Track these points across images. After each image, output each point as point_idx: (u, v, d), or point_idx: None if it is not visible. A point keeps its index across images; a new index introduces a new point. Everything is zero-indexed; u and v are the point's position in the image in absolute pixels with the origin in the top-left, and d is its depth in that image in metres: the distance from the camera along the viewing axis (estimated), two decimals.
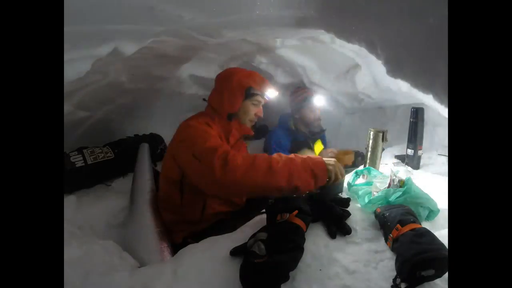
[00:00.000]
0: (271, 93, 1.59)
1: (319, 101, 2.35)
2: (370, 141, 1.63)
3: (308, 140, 2.35)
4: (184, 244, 1.25)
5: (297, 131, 2.36)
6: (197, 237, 1.24)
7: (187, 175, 1.36)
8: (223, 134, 1.49)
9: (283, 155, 1.24)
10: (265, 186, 1.17)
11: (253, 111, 1.55)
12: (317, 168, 1.21)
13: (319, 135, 2.43)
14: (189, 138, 1.32)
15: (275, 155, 1.24)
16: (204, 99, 1.61)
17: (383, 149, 1.64)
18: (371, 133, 1.62)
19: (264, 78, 1.58)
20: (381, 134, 1.60)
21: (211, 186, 1.22)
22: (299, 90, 2.39)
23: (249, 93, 1.51)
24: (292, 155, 1.24)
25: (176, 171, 1.40)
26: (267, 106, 1.69)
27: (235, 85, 1.48)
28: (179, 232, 1.46)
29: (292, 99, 2.39)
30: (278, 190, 1.17)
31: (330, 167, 1.23)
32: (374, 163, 1.63)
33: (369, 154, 1.64)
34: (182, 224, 1.47)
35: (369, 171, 1.42)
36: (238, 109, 1.51)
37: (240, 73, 1.53)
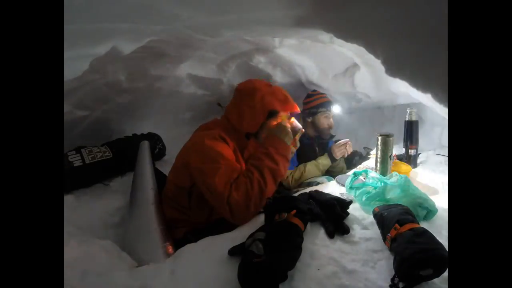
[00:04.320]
0: (293, 111, 1.51)
1: (335, 109, 2.28)
2: (380, 148, 1.52)
3: (314, 145, 2.28)
4: (184, 239, 1.25)
5: (304, 134, 2.29)
6: (198, 233, 1.24)
7: (197, 186, 1.36)
8: (238, 148, 1.45)
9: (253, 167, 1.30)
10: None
11: None
12: (278, 147, 1.34)
13: (327, 141, 2.33)
14: (202, 162, 1.30)
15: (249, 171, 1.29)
16: (219, 104, 1.57)
17: (391, 156, 1.54)
18: (380, 138, 1.52)
19: (287, 95, 1.50)
20: (391, 139, 1.51)
21: (210, 197, 1.28)
22: (315, 94, 2.30)
23: (272, 114, 1.44)
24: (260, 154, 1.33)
25: (187, 179, 1.37)
26: None
27: (257, 105, 1.41)
28: (181, 228, 1.45)
29: (306, 102, 2.29)
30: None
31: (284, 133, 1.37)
32: (385, 171, 1.53)
33: (378, 162, 1.55)
34: (183, 221, 1.46)
35: (367, 173, 1.42)
36: (258, 128, 1.45)
37: (263, 90, 1.44)
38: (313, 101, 2.26)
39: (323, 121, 2.22)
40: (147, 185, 1.62)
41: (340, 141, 2.12)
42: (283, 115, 1.48)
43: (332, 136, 2.34)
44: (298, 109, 1.52)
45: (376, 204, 1.16)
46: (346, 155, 2.13)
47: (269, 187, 1.26)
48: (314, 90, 2.38)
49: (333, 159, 2.11)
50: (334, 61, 2.31)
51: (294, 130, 1.48)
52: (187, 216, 1.45)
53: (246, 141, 1.48)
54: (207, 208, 1.40)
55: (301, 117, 2.30)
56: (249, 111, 1.42)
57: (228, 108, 1.51)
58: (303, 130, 1.53)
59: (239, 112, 1.44)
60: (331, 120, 2.25)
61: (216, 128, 1.45)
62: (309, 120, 2.26)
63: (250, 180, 1.24)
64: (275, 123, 1.45)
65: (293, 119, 1.53)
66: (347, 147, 2.09)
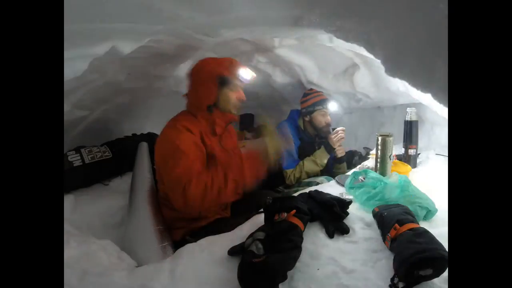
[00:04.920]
0: (246, 75, 1.55)
1: (331, 106, 2.29)
2: (379, 148, 1.53)
3: (314, 143, 2.28)
4: (183, 241, 1.25)
5: (305, 132, 2.29)
6: (196, 235, 1.24)
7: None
8: (208, 127, 1.50)
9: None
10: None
11: (234, 97, 1.53)
12: (254, 163, 1.38)
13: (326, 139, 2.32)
14: (163, 157, 1.41)
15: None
16: (184, 95, 1.60)
17: (390, 156, 1.54)
18: (379, 138, 1.53)
19: (236, 61, 1.55)
20: (390, 139, 1.52)
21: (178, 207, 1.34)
22: (311, 93, 2.31)
23: (223, 81, 1.49)
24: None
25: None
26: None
27: (206, 76, 1.47)
28: (179, 229, 1.45)
29: (303, 101, 2.30)
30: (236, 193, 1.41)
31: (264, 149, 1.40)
32: (384, 171, 1.54)
33: (378, 162, 1.55)
34: (181, 221, 1.46)
35: (366, 173, 1.42)
36: (217, 98, 1.49)
37: (211, 63, 1.51)
38: (309, 100, 2.27)
39: (320, 119, 2.22)
40: (145, 186, 1.63)
41: (335, 129, 2.15)
42: (235, 83, 1.52)
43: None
44: (248, 74, 1.56)
45: (376, 204, 1.16)
46: (343, 140, 2.16)
47: (229, 192, 1.33)
48: (311, 89, 2.38)
49: (330, 148, 2.12)
50: (334, 61, 2.31)
51: (240, 100, 1.56)
52: (178, 212, 1.44)
53: (211, 115, 1.51)
54: None
55: (300, 117, 2.31)
56: (201, 85, 1.49)
57: (187, 92, 1.56)
58: (244, 98, 1.57)
59: (195, 91, 1.51)
60: (328, 117, 2.25)
61: (179, 118, 1.51)
62: (307, 119, 2.26)
63: (212, 180, 1.30)
64: (231, 93, 1.52)
65: (240, 91, 1.57)
66: (342, 133, 2.13)
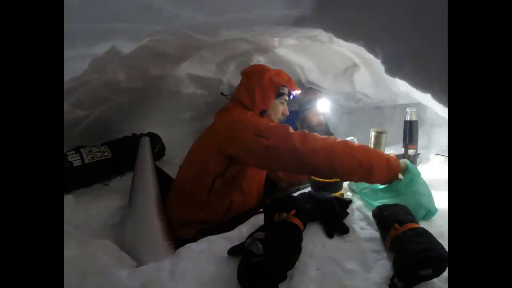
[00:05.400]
0: (297, 91, 1.64)
1: (323, 106, 2.27)
2: (372, 142, 1.60)
3: None
4: (194, 239, 1.24)
5: None
6: (208, 234, 1.22)
7: (247, 159, 1.34)
8: None
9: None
10: (344, 158, 1.16)
11: (281, 110, 1.60)
12: (391, 158, 1.24)
13: None
14: (250, 123, 1.34)
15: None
16: (222, 93, 1.68)
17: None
18: (373, 134, 1.60)
19: (289, 76, 1.62)
20: (384, 135, 1.58)
21: (288, 156, 1.22)
22: (307, 91, 2.31)
23: (279, 93, 1.55)
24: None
25: (221, 164, 1.39)
26: None
27: (267, 82, 1.51)
28: (192, 227, 1.44)
29: (299, 100, 2.31)
30: (357, 164, 1.16)
31: (403, 164, 1.24)
32: None
33: None
34: (198, 221, 1.45)
35: None
36: (269, 107, 1.54)
37: (270, 71, 1.56)
38: (303, 99, 2.27)
39: (312, 118, 2.23)
40: (148, 183, 1.61)
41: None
42: (286, 97, 1.59)
43: (331, 134, 2.32)
44: (298, 90, 1.65)
45: (384, 196, 1.16)
46: None
47: (357, 151, 1.19)
48: (309, 88, 2.37)
49: None
50: (334, 61, 2.30)
51: (284, 115, 1.63)
52: (203, 213, 1.44)
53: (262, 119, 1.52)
54: (228, 199, 1.43)
55: (298, 116, 2.32)
56: (260, 91, 1.51)
57: (238, 91, 1.58)
58: (287, 113, 1.63)
59: (250, 93, 1.52)
60: (320, 117, 2.25)
61: (237, 111, 1.50)
62: (302, 117, 2.27)
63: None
64: (281, 106, 1.58)
65: (286, 106, 1.63)
66: None
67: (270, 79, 1.52)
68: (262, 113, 1.54)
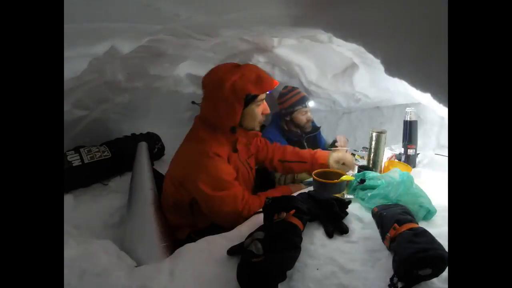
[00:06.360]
0: (272, 86, 1.35)
1: (309, 103, 2.24)
2: (373, 143, 1.60)
3: (302, 140, 2.27)
4: (188, 239, 1.24)
5: (290, 132, 2.27)
6: (202, 233, 1.22)
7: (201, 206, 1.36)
8: (229, 146, 1.39)
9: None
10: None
11: (259, 112, 1.38)
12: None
13: (313, 134, 2.33)
14: (210, 188, 1.29)
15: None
16: (193, 102, 1.47)
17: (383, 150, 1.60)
18: (373, 134, 1.59)
19: (260, 72, 1.34)
20: (384, 135, 1.58)
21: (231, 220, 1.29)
22: (287, 93, 2.23)
23: (249, 99, 1.31)
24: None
25: (186, 195, 1.35)
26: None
27: (229, 93, 1.26)
28: (185, 228, 1.44)
29: (281, 102, 2.24)
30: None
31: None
32: (376, 164, 1.60)
33: (371, 155, 1.62)
34: (189, 225, 1.45)
35: (365, 175, 1.41)
36: (240, 118, 1.33)
37: (231, 77, 1.27)
38: (287, 101, 2.21)
39: (301, 117, 2.20)
40: (145, 186, 1.62)
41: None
42: (261, 97, 1.36)
43: (317, 128, 2.35)
44: (274, 85, 1.36)
45: (381, 202, 1.16)
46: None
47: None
48: (285, 87, 2.29)
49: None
50: (333, 61, 2.31)
51: (264, 114, 1.42)
52: (191, 221, 1.43)
53: (233, 136, 1.38)
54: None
55: (282, 118, 2.28)
56: (224, 105, 1.28)
57: (203, 106, 1.37)
58: (268, 111, 1.43)
59: (215, 109, 1.31)
60: (309, 114, 2.22)
61: (206, 140, 1.34)
62: (288, 119, 2.23)
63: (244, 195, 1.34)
64: (257, 109, 1.36)
65: (265, 104, 1.42)
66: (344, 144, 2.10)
67: (232, 88, 1.25)
68: (233, 129, 1.34)
